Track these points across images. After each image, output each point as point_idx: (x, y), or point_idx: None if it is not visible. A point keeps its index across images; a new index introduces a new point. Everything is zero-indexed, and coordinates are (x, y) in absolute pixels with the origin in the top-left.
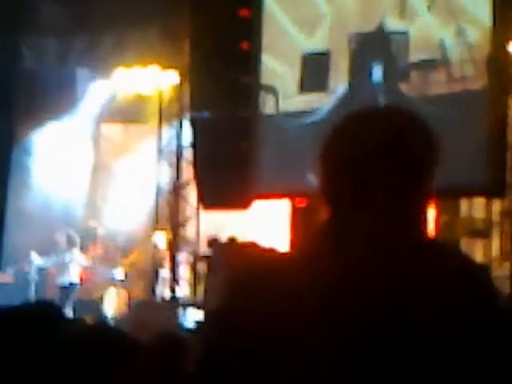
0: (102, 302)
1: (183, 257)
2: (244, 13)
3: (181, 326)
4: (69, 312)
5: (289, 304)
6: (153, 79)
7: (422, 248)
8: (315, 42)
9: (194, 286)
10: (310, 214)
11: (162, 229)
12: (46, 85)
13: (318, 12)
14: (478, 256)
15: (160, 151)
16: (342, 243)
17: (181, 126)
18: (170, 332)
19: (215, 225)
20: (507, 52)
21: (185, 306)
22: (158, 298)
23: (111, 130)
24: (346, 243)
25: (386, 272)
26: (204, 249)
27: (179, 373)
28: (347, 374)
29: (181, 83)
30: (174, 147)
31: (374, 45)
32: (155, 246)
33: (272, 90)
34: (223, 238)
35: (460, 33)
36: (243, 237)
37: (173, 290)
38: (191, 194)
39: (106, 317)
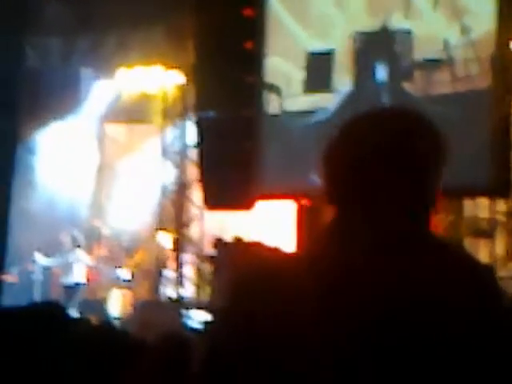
0: (106, 302)
1: (188, 257)
2: (248, 12)
3: (185, 327)
4: (73, 312)
5: (294, 304)
6: (157, 79)
7: (428, 248)
8: (319, 41)
9: (198, 286)
10: (315, 214)
11: (166, 229)
12: (49, 85)
13: (323, 11)
14: (482, 256)
15: (164, 151)
16: (348, 243)
17: (185, 126)
18: (175, 332)
19: (220, 225)
20: (511, 51)
21: (189, 306)
22: (163, 299)
23: (115, 130)
24: (351, 243)
25: (391, 272)
26: (208, 249)
27: (184, 373)
28: (356, 374)
29: (185, 83)
30: (178, 147)
31: (378, 44)
32: (160, 246)
33: (276, 90)
34: (228, 238)
35: (464, 32)
36: (248, 237)
37: (177, 291)
38: (195, 193)
39: (110, 317)
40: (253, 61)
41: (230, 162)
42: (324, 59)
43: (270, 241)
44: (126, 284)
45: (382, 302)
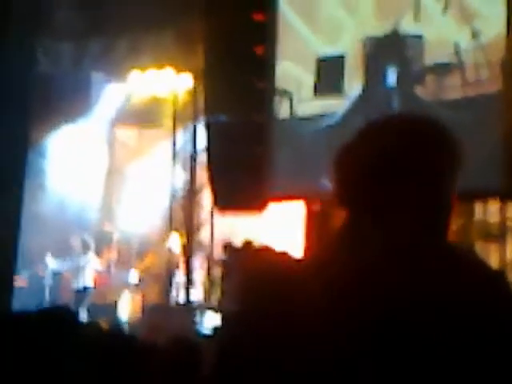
0: (116, 305)
1: (197, 261)
2: (258, 17)
3: (195, 330)
4: (83, 316)
5: (304, 309)
6: (167, 83)
7: (440, 255)
8: (330, 46)
9: (208, 290)
10: (325, 218)
11: (176, 232)
12: (61, 88)
13: (333, 15)
14: (493, 260)
15: (174, 155)
16: (359, 249)
17: (195, 130)
18: (185, 336)
19: (229, 229)
20: None
21: (199, 309)
22: (173, 302)
23: (126, 134)
24: (362, 249)
25: (402, 278)
26: (218, 253)
27: (194, 376)
28: (366, 379)
29: (195, 87)
30: (188, 151)
31: (388, 48)
32: (170, 250)
33: (286, 94)
34: (238, 242)
35: (474, 36)
36: (258, 241)
37: (187, 294)
38: (205, 197)
39: (120, 321)
40: (263, 65)
41: (241, 166)
42: (334, 64)
43: (279, 245)
44: (136, 288)
45: (392, 308)
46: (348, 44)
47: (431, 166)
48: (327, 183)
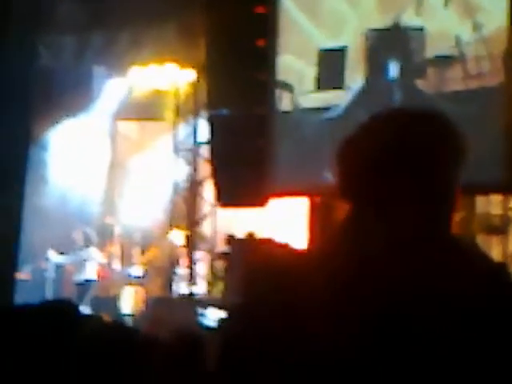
0: (118, 299)
1: (200, 254)
2: (260, 9)
3: (198, 324)
4: (85, 309)
5: (307, 301)
6: (169, 76)
7: (442, 247)
8: (332, 39)
9: (211, 283)
10: (328, 211)
11: (178, 226)
12: (62, 82)
13: (335, 8)
14: (495, 253)
15: (176, 148)
16: (361, 241)
17: (197, 123)
18: (188, 329)
19: (232, 221)
20: None
21: (202, 303)
22: (175, 296)
23: (128, 128)
24: (365, 241)
25: (404, 271)
26: (221, 246)
27: (197, 370)
28: (368, 371)
29: (197, 80)
30: (190, 144)
31: (390, 41)
32: (172, 244)
33: (288, 87)
34: (240, 234)
35: (476, 29)
36: (261, 233)
37: (190, 288)
38: (208, 191)
39: (122, 314)
40: (265, 58)
41: (243, 159)
42: (336, 56)
43: (282, 237)
44: (139, 281)
45: (395, 301)
46: (350, 37)
47: (435, 160)
48: (330, 176)
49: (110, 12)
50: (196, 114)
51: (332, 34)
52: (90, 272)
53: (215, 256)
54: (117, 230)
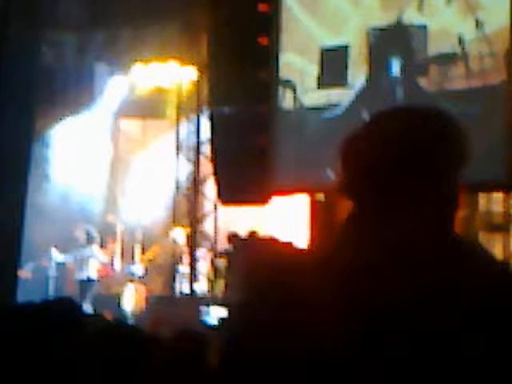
0: (120, 297)
1: (202, 252)
2: (263, 7)
3: (200, 322)
4: (87, 307)
5: (310, 300)
6: (171, 74)
7: (446, 247)
8: (334, 37)
9: (212, 281)
10: (329, 209)
11: (180, 224)
12: (64, 80)
13: (337, 6)
14: (497, 251)
15: (178, 146)
16: (364, 240)
17: (199, 121)
18: (189, 327)
19: (234, 220)
20: None
21: (203, 301)
22: (177, 294)
23: (130, 125)
24: (367, 240)
25: (407, 272)
26: (223, 244)
27: (200, 368)
28: (370, 370)
29: (199, 78)
30: (192, 142)
31: (392, 39)
32: (174, 242)
33: (291, 85)
34: (242, 232)
35: (479, 26)
36: (263, 231)
37: (191, 286)
38: (210, 189)
39: (124, 312)
40: (267, 56)
41: (245, 157)
42: (338, 54)
43: (284, 236)
44: (140, 279)
45: (397, 302)
46: (352, 35)
47: (438, 160)
48: (331, 174)
49: (113, 9)
50: (198, 112)
51: (334, 32)
52: (92, 270)
53: (217, 254)
54: (119, 228)
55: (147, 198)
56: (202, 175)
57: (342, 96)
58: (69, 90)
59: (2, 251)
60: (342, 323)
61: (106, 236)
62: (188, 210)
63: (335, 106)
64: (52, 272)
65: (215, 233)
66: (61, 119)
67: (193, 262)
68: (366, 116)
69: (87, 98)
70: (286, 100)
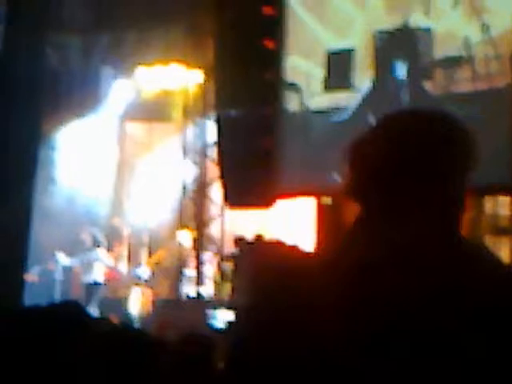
0: (126, 300)
1: (208, 255)
2: (268, 10)
3: (207, 325)
4: (94, 311)
5: (317, 303)
6: (177, 77)
7: (453, 249)
8: (340, 40)
9: (219, 284)
10: (335, 212)
11: (186, 227)
12: (70, 83)
13: (343, 9)
14: (503, 254)
15: (184, 149)
16: (371, 243)
17: (205, 124)
18: (196, 331)
19: (240, 223)
20: None
21: (210, 304)
22: (183, 297)
23: (135, 129)
24: (374, 243)
25: (413, 274)
26: (229, 247)
27: (207, 371)
28: (376, 372)
29: (205, 81)
30: (198, 145)
31: (398, 42)
32: (180, 245)
33: (296, 88)
34: (249, 236)
35: (484, 30)
36: (269, 234)
37: (198, 289)
38: (216, 192)
39: (130, 316)
40: (273, 59)
41: (251, 160)
42: (344, 57)
43: (290, 239)
44: (147, 282)
45: (404, 304)
46: (358, 38)
47: (444, 163)
48: (338, 177)
49: (118, 12)
50: (204, 115)
51: (340, 35)
52: (99, 273)
53: (223, 257)
54: (125, 232)
55: (153, 201)
56: (208, 178)
57: (347, 99)
58: (74, 93)
59: (8, 254)
60: (348, 325)
61: (112, 239)
62: (194, 214)
63: (341, 109)
64: (58, 275)
65: (221, 236)
66: (66, 122)
67: (199, 265)
68: (371, 119)
69: (92, 100)
70: (292, 103)
